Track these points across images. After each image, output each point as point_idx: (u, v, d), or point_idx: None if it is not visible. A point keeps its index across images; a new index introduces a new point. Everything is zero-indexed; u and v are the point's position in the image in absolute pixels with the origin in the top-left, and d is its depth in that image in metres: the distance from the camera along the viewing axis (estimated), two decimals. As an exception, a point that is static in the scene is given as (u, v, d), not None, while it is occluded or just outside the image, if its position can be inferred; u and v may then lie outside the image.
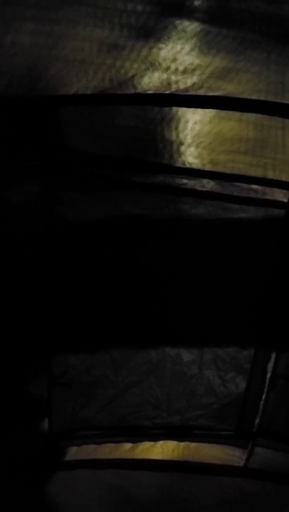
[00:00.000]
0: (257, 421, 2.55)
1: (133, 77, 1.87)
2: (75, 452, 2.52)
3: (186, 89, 1.90)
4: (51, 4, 1.73)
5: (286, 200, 2.20)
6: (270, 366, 2.46)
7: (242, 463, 2.63)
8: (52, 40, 1.79)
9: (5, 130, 2.01)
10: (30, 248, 2.18)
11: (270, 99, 1.91)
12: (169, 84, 1.89)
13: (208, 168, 2.11)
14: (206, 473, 2.59)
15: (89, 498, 2.39)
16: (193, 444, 2.62)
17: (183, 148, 2.07)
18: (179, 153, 2.09)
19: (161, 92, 1.91)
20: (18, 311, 2.25)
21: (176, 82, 1.89)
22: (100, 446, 2.55)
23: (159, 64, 1.85)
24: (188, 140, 2.06)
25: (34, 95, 1.88)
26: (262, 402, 2.51)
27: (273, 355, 2.44)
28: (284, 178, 2.11)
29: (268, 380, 2.47)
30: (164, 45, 1.81)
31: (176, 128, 2.03)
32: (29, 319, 2.27)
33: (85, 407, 2.46)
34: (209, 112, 2.01)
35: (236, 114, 2.01)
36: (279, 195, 2.18)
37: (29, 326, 2.28)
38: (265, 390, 2.49)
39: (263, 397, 2.50)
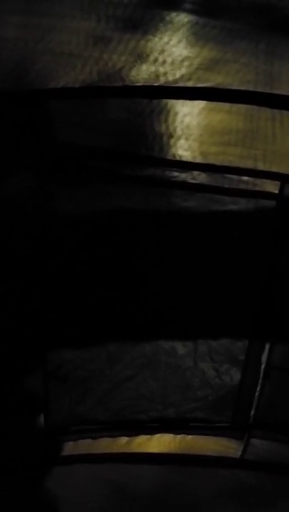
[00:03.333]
0: (252, 412, 2.56)
1: (121, 69, 1.86)
2: (71, 447, 2.52)
3: (175, 81, 1.90)
4: (37, -3, 1.72)
5: (277, 191, 2.20)
6: (264, 357, 2.46)
7: (238, 454, 2.64)
8: (39, 33, 1.78)
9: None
10: (24, 245, 2.18)
11: (259, 89, 1.91)
12: (158, 76, 1.89)
13: (198, 160, 2.10)
14: (203, 465, 2.60)
15: (86, 493, 2.40)
16: (190, 436, 2.63)
17: (173, 140, 2.07)
18: (169, 146, 2.08)
19: (149, 84, 1.90)
20: (13, 308, 2.25)
21: (165, 74, 1.88)
22: (96, 441, 2.55)
23: (147, 56, 1.84)
24: (178, 132, 2.05)
25: (22, 89, 1.88)
26: (257, 394, 2.52)
27: (267, 346, 2.45)
28: (274, 169, 2.11)
29: (262, 371, 2.48)
30: (151, 37, 1.81)
31: (166, 120, 2.02)
32: (24, 315, 2.27)
33: (81, 401, 2.46)
34: (198, 104, 2.00)
35: (226, 106, 2.01)
36: (270, 186, 2.18)
37: (24, 322, 2.28)
38: (260, 381, 2.49)
39: (258, 388, 2.51)
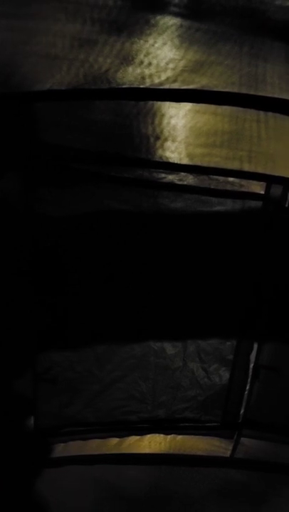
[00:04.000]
0: (242, 411, 2.57)
1: (107, 71, 1.86)
2: (62, 449, 2.52)
3: (161, 83, 1.91)
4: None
5: (263, 192, 2.22)
6: (252, 356, 2.48)
7: (228, 453, 2.66)
8: (24, 35, 1.77)
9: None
10: (12, 247, 2.17)
11: (243, 91, 1.92)
12: (143, 78, 1.89)
13: (185, 161, 2.12)
14: (194, 464, 2.62)
15: (77, 494, 2.40)
16: (180, 436, 2.64)
17: (159, 142, 2.08)
18: (156, 148, 2.09)
19: (135, 86, 1.91)
20: (1, 311, 2.24)
21: (150, 76, 1.89)
22: (87, 442, 2.55)
23: (133, 58, 1.85)
24: (165, 134, 2.06)
25: (8, 92, 1.87)
26: (246, 393, 2.54)
27: (255, 346, 2.47)
28: (260, 170, 2.12)
29: (251, 371, 2.50)
30: (136, 40, 1.81)
31: (152, 122, 2.03)
32: (12, 318, 2.26)
33: (71, 403, 2.46)
34: (184, 106, 2.01)
35: (211, 108, 2.02)
36: (256, 187, 2.20)
37: (12, 325, 2.27)
38: (249, 380, 2.51)
39: (247, 387, 2.53)
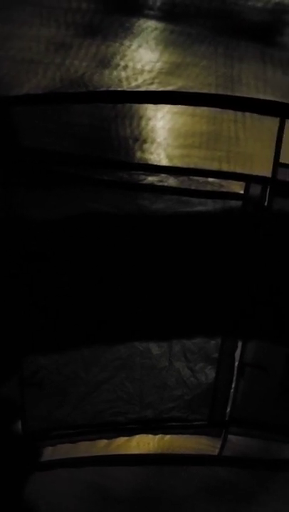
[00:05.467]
0: (228, 409, 2.59)
1: (83, 75, 1.87)
2: (50, 452, 2.52)
3: (138, 86, 1.92)
4: (-5, 5, 1.72)
5: (242, 192, 2.23)
6: (237, 354, 2.50)
7: (216, 451, 2.67)
8: (-1, 40, 1.78)
9: None
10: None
11: (220, 92, 1.94)
12: (120, 81, 1.91)
13: (164, 163, 2.13)
14: (182, 464, 2.62)
15: (67, 497, 2.40)
16: (168, 436, 2.65)
17: (138, 144, 2.09)
18: (135, 150, 2.10)
19: (112, 89, 1.92)
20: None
21: (127, 78, 1.90)
22: (76, 445, 2.55)
23: (109, 61, 1.86)
24: (144, 136, 2.07)
25: (-15, 97, 1.87)
26: (232, 391, 2.55)
27: (240, 344, 2.48)
28: (239, 170, 2.14)
29: (236, 369, 2.51)
30: (111, 43, 1.83)
31: (131, 124, 2.04)
32: (0, 321, 2.26)
33: (58, 406, 2.46)
34: (162, 108, 2.03)
35: (189, 109, 2.04)
36: (235, 187, 2.21)
37: (0, 328, 2.27)
38: (234, 378, 2.53)
39: (233, 385, 2.54)
